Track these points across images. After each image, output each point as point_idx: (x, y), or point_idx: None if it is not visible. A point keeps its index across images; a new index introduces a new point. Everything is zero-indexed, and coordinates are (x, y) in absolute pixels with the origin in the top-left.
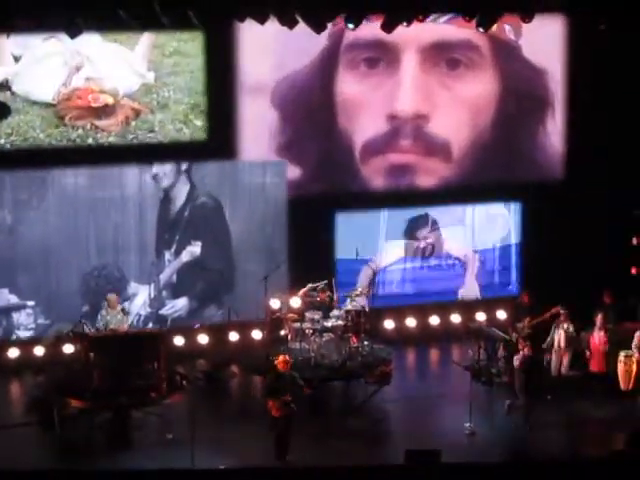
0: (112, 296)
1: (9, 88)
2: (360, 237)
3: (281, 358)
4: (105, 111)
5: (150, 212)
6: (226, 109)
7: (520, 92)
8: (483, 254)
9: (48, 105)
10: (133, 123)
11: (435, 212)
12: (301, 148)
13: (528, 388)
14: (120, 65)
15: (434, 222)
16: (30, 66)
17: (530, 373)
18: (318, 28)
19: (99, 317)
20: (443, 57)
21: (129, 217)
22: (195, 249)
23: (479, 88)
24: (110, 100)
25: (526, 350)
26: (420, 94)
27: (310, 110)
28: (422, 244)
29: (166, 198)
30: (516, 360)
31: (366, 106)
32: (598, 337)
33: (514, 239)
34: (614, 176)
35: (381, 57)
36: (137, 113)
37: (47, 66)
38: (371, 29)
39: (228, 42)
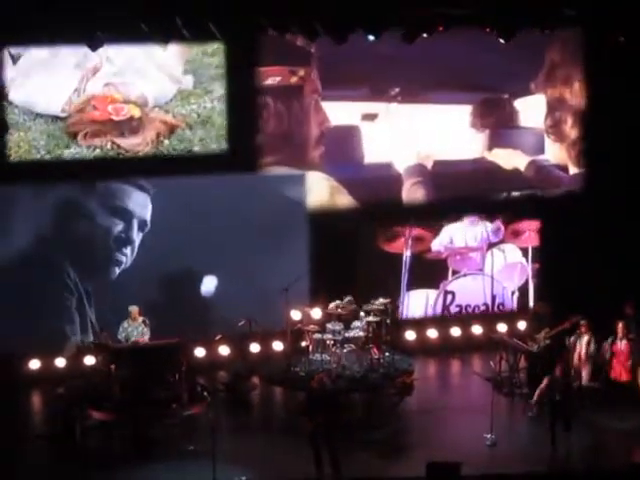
0: (134, 308)
1: (4, 96)
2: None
3: (317, 378)
4: (130, 126)
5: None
6: (247, 121)
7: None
8: (502, 299)
9: (56, 119)
10: (166, 141)
11: (454, 262)
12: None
13: (553, 406)
14: (149, 67)
15: (454, 271)
16: (32, 69)
17: (557, 392)
18: (339, 40)
19: (120, 329)
20: None
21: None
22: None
23: None
24: (136, 112)
25: (558, 371)
26: None
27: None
28: (443, 293)
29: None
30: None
31: None
32: (621, 346)
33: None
34: (633, 187)
35: None
36: (171, 129)
37: (54, 69)
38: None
39: (250, 52)
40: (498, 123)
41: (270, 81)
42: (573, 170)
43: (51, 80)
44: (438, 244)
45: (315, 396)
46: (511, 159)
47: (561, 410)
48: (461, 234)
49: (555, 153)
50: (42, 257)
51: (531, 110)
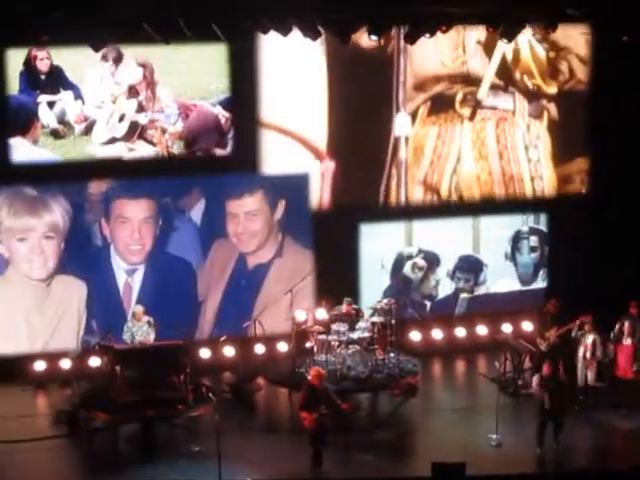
0: (138, 308)
1: None
2: None
3: (314, 372)
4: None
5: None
6: (249, 121)
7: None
8: None
9: None
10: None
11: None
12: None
13: (553, 406)
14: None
15: None
16: None
17: (552, 391)
18: (341, 40)
19: (125, 329)
20: None
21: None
22: None
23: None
24: None
25: (545, 369)
26: None
27: None
28: None
29: None
30: (535, 380)
31: None
32: (626, 344)
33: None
34: (639, 188)
35: None
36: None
37: None
38: None
39: (252, 54)
40: None
41: None
42: None
43: None
44: None
45: (314, 391)
46: None
47: (551, 412)
48: None
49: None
50: None
51: None
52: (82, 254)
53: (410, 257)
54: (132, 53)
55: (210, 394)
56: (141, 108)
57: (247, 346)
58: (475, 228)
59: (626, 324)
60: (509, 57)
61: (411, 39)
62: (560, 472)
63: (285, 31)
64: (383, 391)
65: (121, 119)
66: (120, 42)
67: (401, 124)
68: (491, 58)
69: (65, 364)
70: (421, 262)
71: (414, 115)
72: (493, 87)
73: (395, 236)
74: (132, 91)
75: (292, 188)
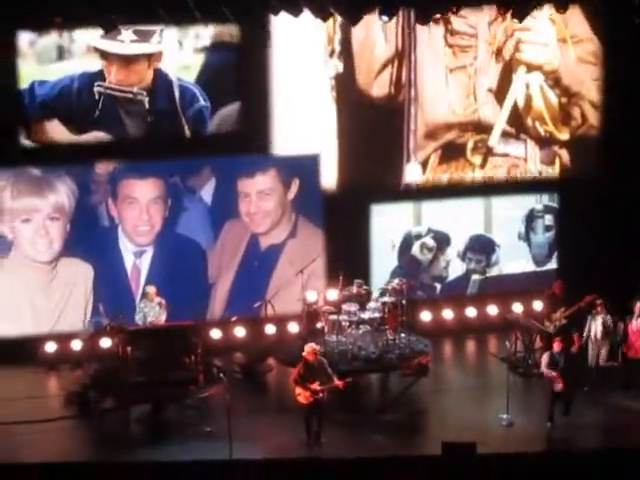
0: (151, 288)
1: None
2: None
3: (309, 348)
4: None
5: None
6: (260, 102)
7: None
8: None
9: None
10: None
11: None
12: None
13: (565, 382)
14: None
15: None
16: None
17: (563, 370)
18: (353, 20)
19: (137, 309)
20: None
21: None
22: None
23: None
24: None
25: (556, 346)
26: None
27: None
28: None
29: None
30: (544, 358)
31: None
32: (637, 324)
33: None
34: None
35: None
36: None
37: None
38: None
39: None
40: None
41: None
42: None
43: None
44: None
45: (309, 366)
46: None
47: (562, 394)
48: None
49: None
50: None
51: None
52: (88, 236)
53: (419, 237)
54: None
55: (221, 375)
56: None
57: (258, 327)
58: (487, 207)
59: (638, 304)
60: (520, 104)
61: (422, 20)
62: (570, 451)
63: (296, 12)
64: (394, 371)
65: None
66: (130, 23)
67: (412, 173)
68: (502, 105)
69: (76, 345)
70: (430, 242)
71: (425, 164)
72: (504, 134)
73: (406, 216)
74: None
75: (303, 168)
